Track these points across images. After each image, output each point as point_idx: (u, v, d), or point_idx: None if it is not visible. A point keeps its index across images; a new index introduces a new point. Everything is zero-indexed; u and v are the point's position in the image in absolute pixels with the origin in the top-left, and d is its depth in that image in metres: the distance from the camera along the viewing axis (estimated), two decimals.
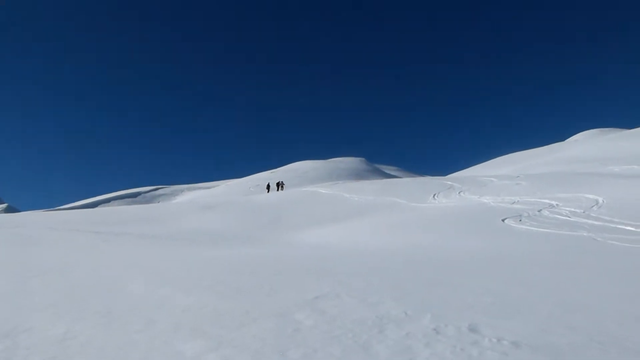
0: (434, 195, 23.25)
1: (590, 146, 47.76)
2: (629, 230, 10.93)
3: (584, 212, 13.86)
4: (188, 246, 12.21)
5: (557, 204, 15.93)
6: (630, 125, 68.81)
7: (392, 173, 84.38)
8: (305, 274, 6.79)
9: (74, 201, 78.91)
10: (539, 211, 15.05)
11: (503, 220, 13.92)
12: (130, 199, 75.57)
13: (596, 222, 12.30)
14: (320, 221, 19.16)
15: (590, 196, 16.32)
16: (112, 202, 71.75)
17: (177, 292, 5.69)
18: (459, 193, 22.80)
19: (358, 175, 67.22)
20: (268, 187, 38.49)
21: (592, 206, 14.61)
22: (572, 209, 14.55)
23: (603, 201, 15.04)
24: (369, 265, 7.75)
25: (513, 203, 17.46)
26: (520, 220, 13.71)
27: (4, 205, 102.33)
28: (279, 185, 38.12)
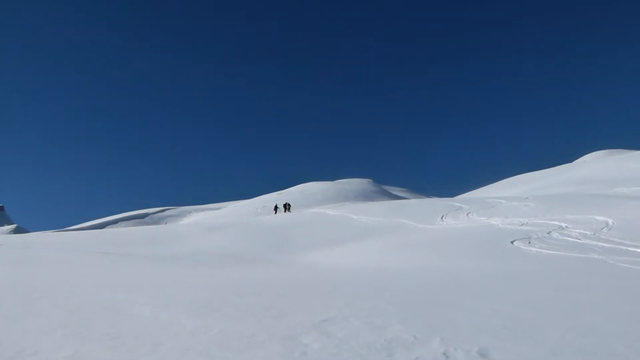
0: (442, 216, 23.11)
1: (598, 167, 47.39)
2: None
3: (594, 234, 13.68)
4: (195, 267, 12.20)
5: (566, 226, 15.76)
6: (638, 147, 68.26)
7: (400, 194, 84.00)
8: (312, 296, 6.77)
9: (82, 222, 79.32)
10: (548, 233, 14.88)
11: (512, 242, 13.78)
12: (137, 220, 75.78)
13: (607, 245, 12.12)
14: (327, 242, 19.12)
15: (600, 218, 16.14)
16: (119, 224, 71.95)
17: (183, 314, 5.69)
18: (467, 214, 22.65)
19: (365, 197, 66.91)
20: (275, 208, 38.48)
21: (602, 228, 14.43)
22: (582, 231, 14.38)
23: (613, 223, 14.86)
24: (376, 287, 7.70)
25: (522, 225, 17.29)
26: (529, 242, 13.56)
27: (13, 226, 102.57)
28: (286, 206, 38.15)
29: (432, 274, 9.86)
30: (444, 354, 3.86)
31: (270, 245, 19.50)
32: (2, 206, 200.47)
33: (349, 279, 9.19)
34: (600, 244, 12.25)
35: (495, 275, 9.08)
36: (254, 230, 23.99)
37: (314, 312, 5.51)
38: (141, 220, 76.38)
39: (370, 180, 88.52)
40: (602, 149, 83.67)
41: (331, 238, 20.15)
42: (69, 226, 75.09)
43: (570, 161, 70.24)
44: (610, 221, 15.25)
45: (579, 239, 13.36)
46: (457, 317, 5.11)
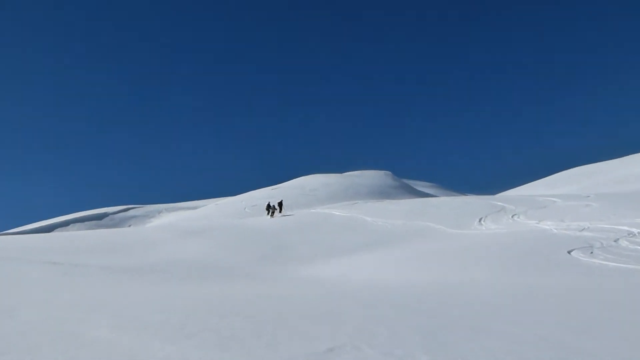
0: (480, 219, 23.15)
1: None
2: None
3: None
4: (167, 282, 12.37)
5: (638, 232, 15.77)
6: None
7: (426, 191, 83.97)
8: (315, 319, 6.86)
9: (23, 224, 79.65)
10: (615, 241, 14.90)
11: (569, 252, 13.80)
12: (94, 222, 76.07)
13: None
14: (333, 251, 19.35)
15: None
16: (71, 226, 72.41)
17: (152, 340, 5.78)
18: (512, 217, 22.67)
19: (382, 194, 66.89)
20: (268, 207, 38.27)
21: None
22: None
23: None
24: (396, 308, 7.80)
25: (582, 230, 17.31)
26: (591, 253, 13.60)
27: None
28: (280, 206, 38.20)
29: (466, 291, 9.94)
30: None
31: (262, 254, 19.74)
32: None
33: (361, 298, 9.27)
34: None
35: (546, 294, 9.10)
36: (241, 236, 24.21)
37: (317, 340, 5.58)
38: (98, 222, 76.69)
39: (389, 173, 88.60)
40: None
41: (338, 246, 20.35)
42: (7, 230, 75.64)
43: (637, 151, 68.83)
44: None
45: None
46: (495, 346, 5.19)
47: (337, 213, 29.98)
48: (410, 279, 12.53)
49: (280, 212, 37.60)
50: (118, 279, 12.68)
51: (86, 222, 76.80)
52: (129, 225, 70.10)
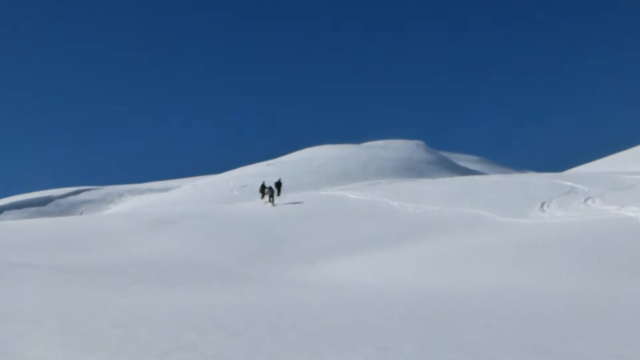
0: (543, 204, 23.05)
1: None
2: None
3: None
4: (130, 287, 12.42)
5: None
6: None
7: (471, 167, 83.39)
8: (323, 335, 6.92)
9: None
10: None
11: None
12: (35, 209, 76.39)
13: None
14: (347, 248, 19.34)
15: None
16: (5, 214, 72.90)
17: None
18: (584, 201, 22.54)
19: (412, 170, 66.08)
20: (263, 189, 37.94)
21: None
22: None
23: None
24: (428, 321, 7.83)
25: None
26: None
27: None
28: (277, 187, 37.87)
29: (522, 299, 9.94)
30: None
31: (253, 251, 19.79)
32: None
33: (382, 308, 9.29)
34: None
35: (630, 303, 9.08)
36: (226, 227, 24.28)
37: None
38: (40, 208, 77.04)
39: (421, 143, 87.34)
40: None
41: (354, 240, 20.31)
42: None
43: None
44: None
45: None
46: None
47: (353, 196, 29.95)
48: (449, 283, 12.59)
49: (278, 195, 37.29)
50: (67, 282, 12.68)
51: (25, 209, 77.15)
52: (81, 213, 69.74)
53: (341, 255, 18.36)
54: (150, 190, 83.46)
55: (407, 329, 7.28)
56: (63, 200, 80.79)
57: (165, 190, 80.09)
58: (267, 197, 33.35)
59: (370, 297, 10.94)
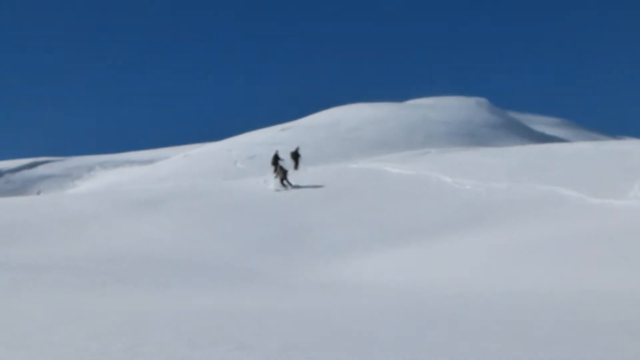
0: None
1: None
2: None
3: None
4: (104, 289, 11.58)
5: None
6: None
7: (549, 132, 75.41)
8: (356, 351, 5.99)
9: None
10: None
11: None
12: None
13: None
14: (386, 237, 17.73)
15: None
16: None
17: None
18: None
19: (472, 136, 58.42)
20: (276, 162, 34.01)
21: None
22: None
23: None
24: (505, 335, 6.84)
25: None
26: None
27: None
28: (294, 158, 34.30)
29: (626, 308, 8.74)
30: None
31: (263, 241, 18.28)
32: None
33: (434, 315, 8.32)
34: None
35: None
36: (228, 210, 22.56)
37: None
38: None
39: (483, 101, 77.09)
40: None
41: (394, 227, 18.64)
42: None
43: None
44: None
45: None
46: None
47: (394, 170, 27.47)
48: (522, 286, 11.15)
49: (296, 168, 34.10)
50: (17, 283, 11.72)
51: None
52: (38, 192, 61.74)
53: (377, 249, 16.77)
54: (130, 163, 73.01)
55: (471, 345, 6.25)
56: (15, 176, 70.10)
57: (149, 162, 69.68)
58: (277, 178, 27.35)
59: (417, 302, 9.89)
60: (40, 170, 69.68)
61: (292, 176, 28.43)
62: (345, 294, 11.29)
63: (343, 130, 57.99)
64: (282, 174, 26.73)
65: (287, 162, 34.48)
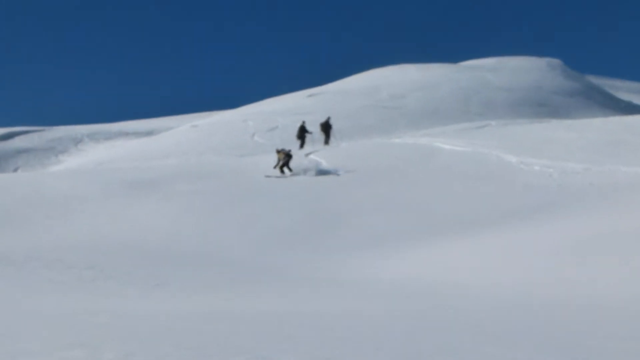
0: None
1: None
2: None
3: None
4: (92, 286, 11.18)
5: None
6: None
7: (637, 101, 69.70)
8: None
9: None
10: None
11: None
12: None
13: None
14: (435, 227, 16.56)
15: None
16: None
17: None
18: None
19: (542, 106, 54.58)
20: (302, 133, 31.87)
21: None
22: None
23: None
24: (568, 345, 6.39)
25: None
26: None
27: None
28: (324, 130, 31.50)
29: None
30: None
31: (285, 232, 17.14)
32: None
33: (497, 324, 7.61)
34: None
35: None
36: (243, 193, 21.34)
37: None
38: None
39: (558, 63, 71.86)
40: None
41: (445, 216, 17.32)
42: None
43: None
44: None
45: None
46: None
47: (446, 147, 26.06)
48: (594, 289, 9.98)
49: (326, 143, 31.88)
50: None
51: None
52: (15, 169, 57.30)
53: (423, 241, 15.44)
54: (125, 134, 68.18)
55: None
56: None
57: (148, 134, 65.60)
58: (279, 162, 24.25)
59: (476, 306, 9.07)
60: (17, 142, 62.59)
61: (323, 152, 26.52)
62: (384, 294, 10.51)
63: (384, 97, 53.34)
64: (286, 158, 23.80)
65: (316, 134, 31.75)
